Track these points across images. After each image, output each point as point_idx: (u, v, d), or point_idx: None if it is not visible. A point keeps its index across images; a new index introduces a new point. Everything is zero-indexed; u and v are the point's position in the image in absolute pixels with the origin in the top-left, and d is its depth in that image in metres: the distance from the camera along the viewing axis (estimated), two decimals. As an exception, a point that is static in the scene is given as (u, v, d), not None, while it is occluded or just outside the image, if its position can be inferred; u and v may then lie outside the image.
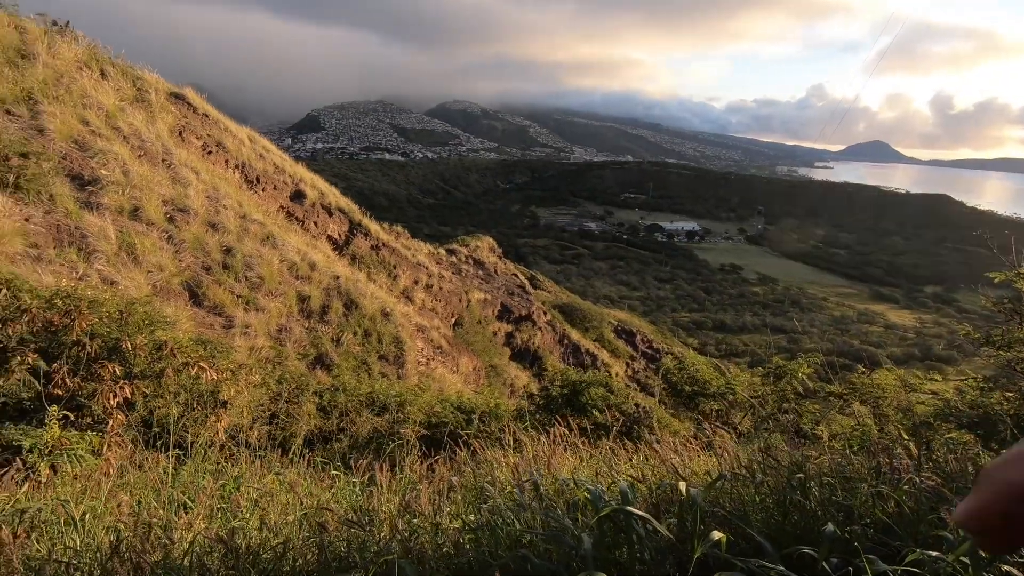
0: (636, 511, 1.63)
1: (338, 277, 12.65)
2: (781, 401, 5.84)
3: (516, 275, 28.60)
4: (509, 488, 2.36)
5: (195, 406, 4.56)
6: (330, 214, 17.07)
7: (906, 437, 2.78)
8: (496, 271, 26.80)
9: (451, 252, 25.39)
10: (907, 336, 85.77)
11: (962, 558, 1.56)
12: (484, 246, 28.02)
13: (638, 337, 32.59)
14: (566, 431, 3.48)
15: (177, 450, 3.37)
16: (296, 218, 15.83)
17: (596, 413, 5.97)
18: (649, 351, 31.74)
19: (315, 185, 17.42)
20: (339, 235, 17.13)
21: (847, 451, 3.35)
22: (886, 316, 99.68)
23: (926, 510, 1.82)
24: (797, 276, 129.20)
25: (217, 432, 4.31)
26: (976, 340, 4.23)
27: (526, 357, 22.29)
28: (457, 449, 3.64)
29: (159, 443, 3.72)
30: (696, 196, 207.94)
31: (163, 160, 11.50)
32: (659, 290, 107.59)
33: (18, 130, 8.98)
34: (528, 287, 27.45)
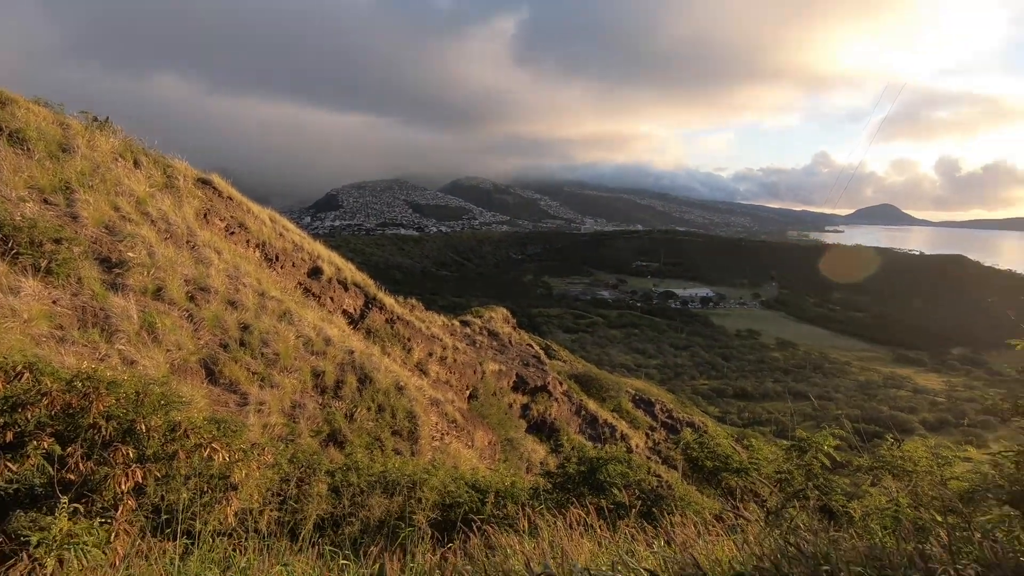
0: (653, 609, 1.55)
1: (352, 352, 12.70)
2: (808, 477, 5.60)
3: (531, 345, 28.45)
4: (523, 579, 2.26)
5: (205, 490, 4.49)
6: (346, 289, 17.38)
7: (939, 519, 2.64)
8: (510, 341, 26.72)
9: (465, 323, 25.47)
10: (938, 400, 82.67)
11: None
12: (498, 316, 28.10)
13: (657, 407, 31.83)
14: (583, 513, 3.37)
15: (185, 539, 3.30)
16: (313, 294, 16.13)
17: (615, 492, 5.76)
18: (669, 421, 30.88)
19: (332, 261, 17.85)
20: (355, 309, 17.36)
21: (880, 532, 3.18)
22: (913, 380, 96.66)
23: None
24: (817, 340, 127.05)
25: (226, 517, 4.22)
26: (1005, 410, 4.08)
27: (543, 429, 21.78)
28: (470, 534, 3.52)
29: (167, 530, 3.65)
30: (709, 262, 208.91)
31: (187, 241, 11.94)
32: (676, 357, 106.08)
33: (53, 217, 9.45)
34: (543, 357, 27.21)
